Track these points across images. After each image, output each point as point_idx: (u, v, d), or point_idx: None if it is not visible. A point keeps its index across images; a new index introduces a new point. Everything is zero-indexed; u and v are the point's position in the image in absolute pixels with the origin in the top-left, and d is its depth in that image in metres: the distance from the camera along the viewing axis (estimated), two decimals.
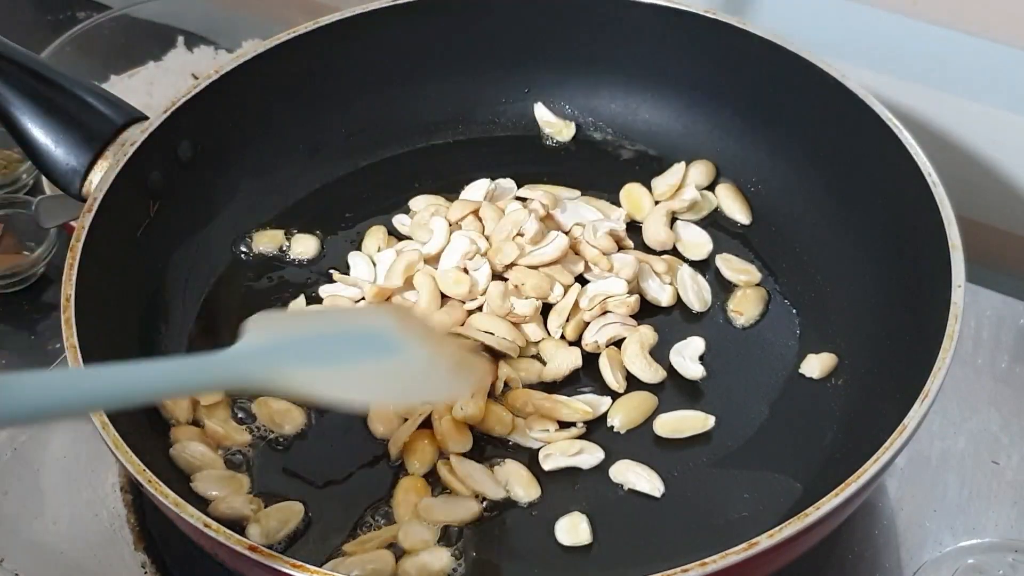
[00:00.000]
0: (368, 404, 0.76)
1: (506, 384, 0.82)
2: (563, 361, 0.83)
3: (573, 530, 0.76)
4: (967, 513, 0.83)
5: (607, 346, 0.84)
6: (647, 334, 0.84)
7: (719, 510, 0.77)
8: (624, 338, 0.84)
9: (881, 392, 0.78)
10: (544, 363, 0.84)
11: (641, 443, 0.81)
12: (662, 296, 0.87)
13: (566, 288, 0.86)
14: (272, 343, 0.66)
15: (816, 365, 0.83)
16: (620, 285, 0.85)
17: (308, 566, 0.64)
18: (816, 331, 0.86)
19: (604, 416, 0.81)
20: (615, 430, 0.81)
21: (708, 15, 0.93)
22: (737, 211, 0.93)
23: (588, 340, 0.84)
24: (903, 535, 0.83)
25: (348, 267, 0.91)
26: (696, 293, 0.88)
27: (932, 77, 0.99)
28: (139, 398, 0.66)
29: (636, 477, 0.78)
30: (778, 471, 0.78)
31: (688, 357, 0.84)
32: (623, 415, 0.81)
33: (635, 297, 0.86)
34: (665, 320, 0.87)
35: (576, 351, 0.83)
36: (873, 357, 0.82)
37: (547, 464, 0.78)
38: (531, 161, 0.98)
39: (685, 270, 0.89)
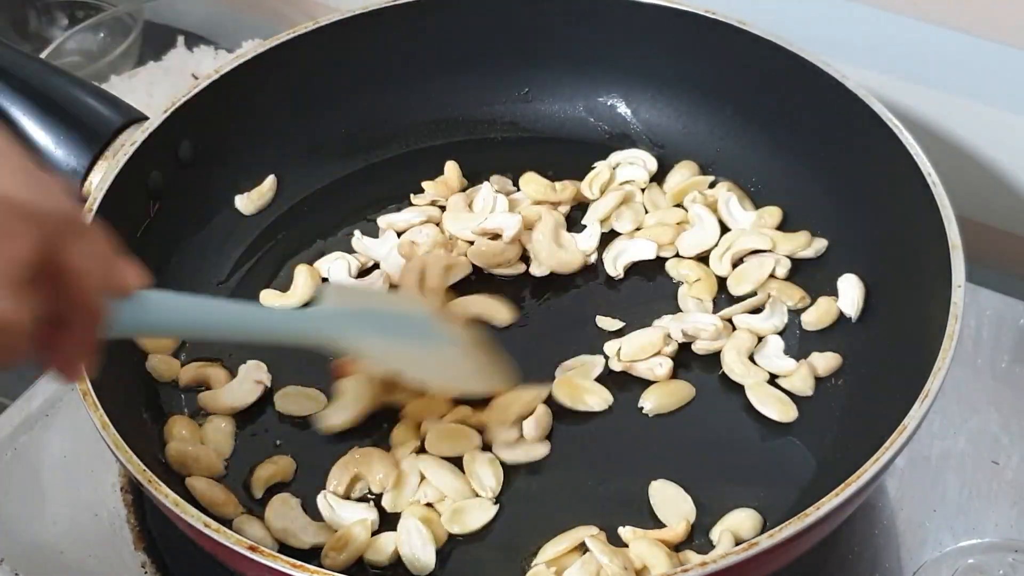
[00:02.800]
0: (409, 375, 0.80)
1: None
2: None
3: None
4: (967, 513, 0.83)
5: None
6: (745, 339, 0.84)
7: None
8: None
9: (881, 392, 0.78)
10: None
11: (641, 442, 0.81)
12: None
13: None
14: (345, 310, 0.77)
15: (817, 365, 0.83)
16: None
17: (308, 566, 0.64)
18: (816, 331, 0.86)
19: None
20: (644, 411, 0.81)
21: (708, 15, 0.93)
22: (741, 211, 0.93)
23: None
24: (903, 535, 0.83)
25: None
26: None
27: (932, 77, 0.99)
28: (240, 334, 0.74)
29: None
30: (778, 471, 0.78)
31: (774, 355, 0.84)
32: (656, 399, 0.82)
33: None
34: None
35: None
36: (873, 357, 0.83)
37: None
38: (531, 162, 0.98)
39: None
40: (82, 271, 0.52)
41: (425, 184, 0.96)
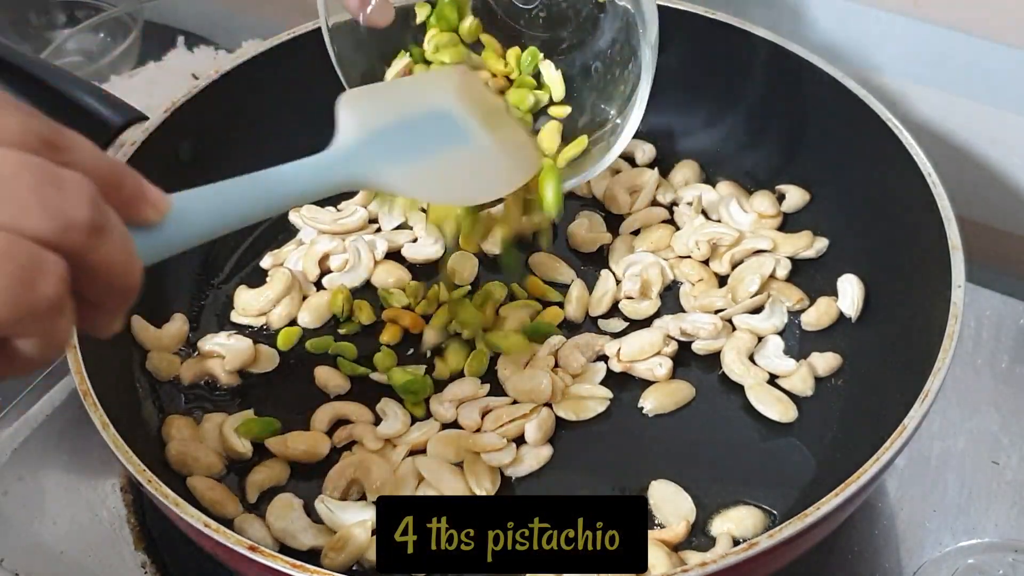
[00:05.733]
0: (444, 199, 0.80)
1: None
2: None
3: None
4: (967, 513, 0.83)
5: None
6: (744, 339, 0.84)
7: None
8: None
9: (881, 392, 0.78)
10: None
11: (641, 442, 0.81)
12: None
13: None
14: (364, 142, 0.74)
15: (817, 365, 0.83)
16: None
17: (308, 566, 0.64)
18: (816, 331, 0.86)
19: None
20: (644, 412, 0.81)
21: (708, 15, 0.93)
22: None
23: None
24: (903, 535, 0.83)
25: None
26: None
27: (932, 77, 0.99)
28: (268, 206, 0.70)
29: None
30: (778, 471, 0.78)
31: (774, 355, 0.84)
32: (656, 399, 0.82)
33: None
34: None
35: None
36: (873, 357, 0.83)
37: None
38: None
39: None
40: (111, 262, 0.49)
41: None
